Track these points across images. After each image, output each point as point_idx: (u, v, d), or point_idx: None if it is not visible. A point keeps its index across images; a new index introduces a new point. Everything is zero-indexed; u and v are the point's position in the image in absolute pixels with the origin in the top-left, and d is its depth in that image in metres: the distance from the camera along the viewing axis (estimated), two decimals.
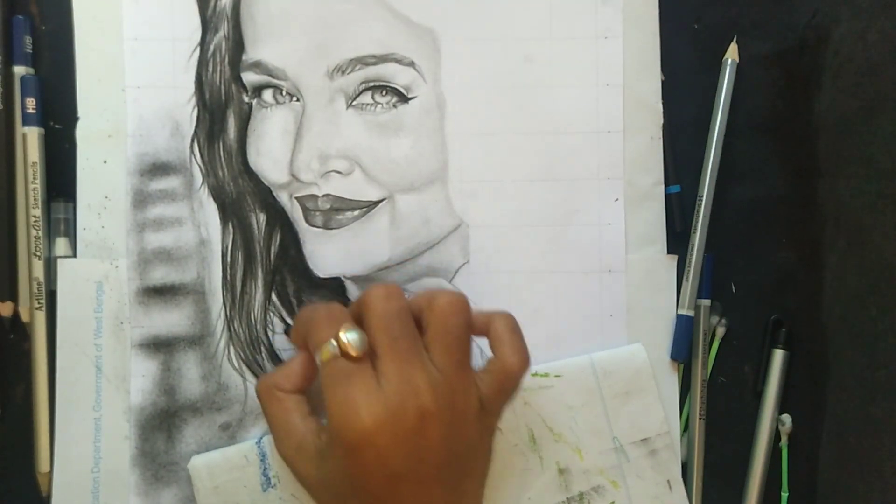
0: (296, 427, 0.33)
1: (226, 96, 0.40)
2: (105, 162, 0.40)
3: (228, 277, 0.40)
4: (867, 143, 0.35)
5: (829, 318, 0.40)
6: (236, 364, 0.40)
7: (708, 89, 0.41)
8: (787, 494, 0.41)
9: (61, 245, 0.40)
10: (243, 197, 0.40)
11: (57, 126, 0.41)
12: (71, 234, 0.40)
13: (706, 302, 0.41)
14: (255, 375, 0.40)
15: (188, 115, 0.40)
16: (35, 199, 0.39)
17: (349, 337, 0.31)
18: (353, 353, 0.31)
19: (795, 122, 0.41)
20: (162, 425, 0.40)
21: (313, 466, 0.33)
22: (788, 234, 0.41)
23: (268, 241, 0.40)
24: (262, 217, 0.40)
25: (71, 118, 0.40)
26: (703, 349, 0.41)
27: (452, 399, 0.31)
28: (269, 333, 0.40)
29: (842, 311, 0.39)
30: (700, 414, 0.40)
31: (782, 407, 0.41)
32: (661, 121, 0.41)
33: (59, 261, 0.40)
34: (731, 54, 0.41)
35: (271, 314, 0.40)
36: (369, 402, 0.30)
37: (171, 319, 0.40)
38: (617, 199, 0.41)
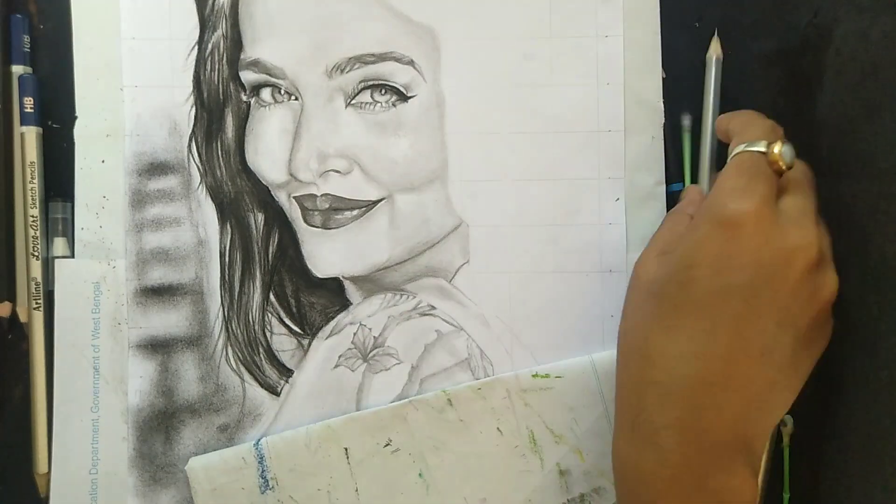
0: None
1: (224, 95, 0.40)
2: (103, 161, 0.40)
3: (226, 278, 0.40)
4: (869, 143, 0.35)
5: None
6: (234, 365, 0.40)
7: (702, 89, 0.41)
8: (788, 496, 0.41)
9: (59, 245, 0.40)
10: (241, 196, 0.40)
11: (55, 125, 0.41)
12: (69, 234, 0.40)
13: None
14: (254, 376, 0.40)
15: (186, 114, 0.40)
16: (33, 199, 0.40)
17: (784, 149, 0.31)
18: (780, 163, 0.31)
19: (797, 121, 0.41)
20: (160, 427, 0.40)
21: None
22: None
23: (266, 241, 0.41)
24: (261, 217, 0.40)
25: (69, 117, 0.40)
26: None
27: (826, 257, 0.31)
28: (268, 334, 0.40)
29: (843, 312, 0.39)
30: None
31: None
32: (663, 120, 0.41)
33: (56, 261, 0.40)
34: (714, 51, 0.41)
35: (269, 315, 0.40)
36: (760, 203, 0.29)
37: (169, 320, 0.40)
38: (618, 199, 0.41)
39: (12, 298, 0.40)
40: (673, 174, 0.41)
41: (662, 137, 0.41)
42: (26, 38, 0.40)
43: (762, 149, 0.31)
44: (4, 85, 0.40)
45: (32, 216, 0.40)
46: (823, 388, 0.40)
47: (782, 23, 0.41)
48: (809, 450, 0.41)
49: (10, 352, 0.40)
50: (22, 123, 0.40)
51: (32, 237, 0.40)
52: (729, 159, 0.33)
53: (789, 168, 0.31)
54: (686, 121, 0.41)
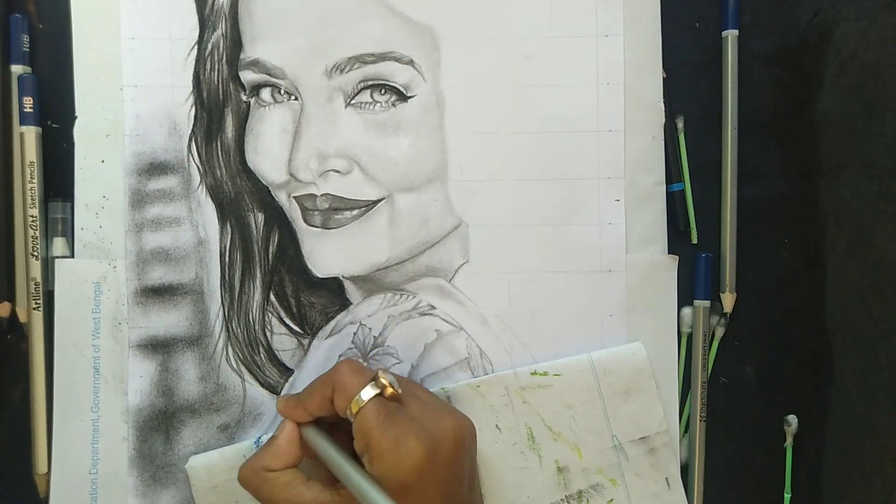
0: (302, 496, 0.34)
1: (224, 95, 0.41)
2: (103, 161, 0.41)
3: (227, 277, 0.41)
4: (869, 143, 0.36)
5: (830, 319, 0.41)
6: (234, 365, 0.41)
7: (709, 88, 0.42)
8: (789, 496, 0.41)
9: (59, 245, 0.41)
10: (241, 196, 0.41)
11: (55, 125, 0.41)
12: (69, 234, 0.41)
13: (705, 303, 0.42)
14: (254, 376, 0.41)
15: (186, 114, 0.41)
16: (33, 199, 0.40)
17: (389, 379, 0.34)
18: (396, 391, 0.33)
19: (797, 120, 0.42)
20: (160, 426, 0.41)
21: None
22: (790, 234, 0.42)
23: (266, 241, 0.41)
24: (261, 217, 0.41)
25: (69, 117, 0.41)
26: (702, 350, 0.41)
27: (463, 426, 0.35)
28: (268, 334, 0.41)
29: (843, 312, 0.39)
30: (701, 416, 0.41)
31: (787, 408, 0.42)
32: (663, 120, 0.41)
33: (56, 261, 0.41)
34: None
35: (270, 314, 0.41)
36: (418, 434, 0.32)
37: (170, 320, 0.41)
38: (618, 200, 0.41)
39: (12, 298, 0.41)
40: (673, 174, 0.42)
41: (662, 137, 0.42)
42: (26, 38, 0.41)
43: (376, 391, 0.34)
44: (4, 85, 0.40)
45: (32, 216, 0.40)
46: (824, 388, 0.41)
47: (782, 23, 0.42)
48: (810, 450, 0.42)
49: (9, 352, 0.41)
50: (21, 123, 0.40)
51: (32, 237, 0.40)
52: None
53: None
54: (680, 123, 0.42)
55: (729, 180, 0.42)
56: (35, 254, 0.40)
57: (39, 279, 0.40)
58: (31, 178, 0.40)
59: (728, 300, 0.42)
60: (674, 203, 0.42)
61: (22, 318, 0.41)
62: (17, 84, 0.41)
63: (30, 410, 0.40)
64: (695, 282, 0.42)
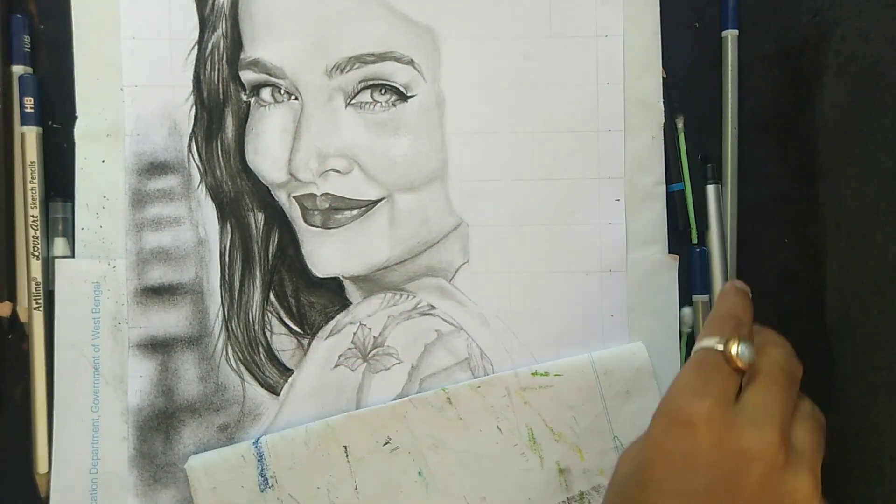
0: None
1: (224, 95, 0.42)
2: (103, 161, 0.41)
3: (227, 277, 0.42)
4: (869, 143, 0.37)
5: (830, 319, 0.41)
6: (234, 365, 0.41)
7: (709, 88, 0.42)
8: None
9: (59, 245, 0.41)
10: (241, 196, 0.42)
11: (55, 125, 0.42)
12: (69, 234, 0.41)
13: (703, 297, 0.42)
14: (254, 376, 0.41)
15: (186, 114, 0.41)
16: (34, 199, 0.41)
17: (741, 348, 0.31)
18: (737, 362, 0.31)
19: (797, 121, 0.42)
20: (160, 426, 0.41)
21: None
22: (790, 234, 0.42)
23: (266, 241, 0.42)
24: (261, 216, 0.42)
25: (69, 117, 0.41)
26: None
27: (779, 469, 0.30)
28: (268, 334, 0.41)
29: (843, 312, 0.40)
30: None
31: None
32: (663, 120, 0.42)
33: (57, 261, 0.41)
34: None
35: (269, 314, 0.41)
36: (713, 403, 0.29)
37: (169, 320, 0.41)
38: (618, 200, 0.42)
39: (13, 298, 0.41)
40: (673, 174, 0.42)
41: (662, 137, 0.42)
42: (26, 38, 0.41)
43: (719, 347, 0.31)
44: (5, 85, 0.41)
45: (33, 216, 0.41)
46: (824, 388, 0.42)
47: (782, 23, 0.42)
48: None
49: (10, 352, 0.41)
50: (22, 123, 0.41)
51: (33, 237, 0.41)
52: (691, 355, 0.32)
53: (748, 366, 0.31)
54: (680, 123, 0.42)
55: (730, 179, 0.42)
56: (36, 254, 0.41)
57: (40, 279, 0.41)
58: (32, 178, 0.41)
59: None
60: (674, 203, 0.42)
61: (23, 317, 0.41)
62: (18, 84, 0.41)
63: (30, 410, 0.41)
64: (691, 277, 0.42)
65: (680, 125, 0.42)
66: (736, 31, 0.42)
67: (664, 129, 0.42)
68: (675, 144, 0.42)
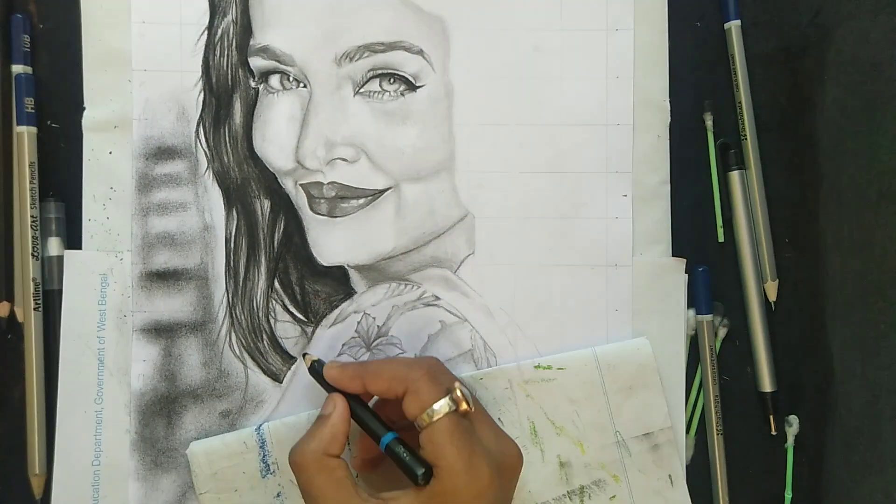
0: (354, 500, 0.34)
1: (232, 81, 0.43)
2: (111, 153, 0.43)
3: (231, 264, 0.43)
4: (870, 142, 0.38)
5: (832, 319, 0.43)
6: (237, 351, 0.43)
7: (713, 85, 0.44)
8: (790, 496, 0.44)
9: (54, 244, 0.43)
10: (248, 183, 0.43)
11: (54, 125, 0.43)
12: (62, 234, 0.43)
13: (707, 317, 0.44)
14: (257, 363, 0.43)
15: (194, 99, 0.43)
16: (33, 200, 0.42)
17: (465, 393, 0.35)
18: (469, 407, 0.35)
19: (798, 120, 0.44)
20: (162, 411, 0.43)
21: None
22: (790, 234, 0.44)
23: (272, 228, 0.43)
24: (267, 203, 0.43)
25: (68, 117, 0.43)
26: (710, 365, 0.43)
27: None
28: (272, 321, 0.43)
29: (845, 311, 0.42)
30: (718, 429, 0.43)
31: (789, 408, 0.44)
32: (669, 119, 0.44)
33: (66, 253, 0.42)
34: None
35: (274, 301, 0.43)
36: (488, 457, 0.34)
37: (174, 305, 0.43)
38: (625, 195, 0.43)
39: (11, 298, 0.42)
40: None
41: (668, 137, 0.44)
42: (26, 38, 0.43)
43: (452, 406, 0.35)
44: (4, 85, 0.42)
45: (32, 216, 0.42)
46: (825, 388, 0.43)
47: (783, 23, 0.44)
48: (811, 450, 0.44)
49: (8, 352, 0.42)
50: (20, 123, 0.42)
51: (32, 237, 0.42)
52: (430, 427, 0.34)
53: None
54: (709, 120, 0.44)
55: (753, 165, 0.43)
56: (35, 254, 0.42)
57: (39, 279, 0.42)
58: (32, 178, 0.42)
59: (771, 289, 0.44)
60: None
61: (20, 318, 0.42)
62: (16, 84, 0.42)
63: (25, 411, 0.42)
64: (694, 297, 0.44)
65: (709, 122, 0.44)
66: (738, 22, 0.43)
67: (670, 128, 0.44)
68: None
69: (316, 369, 0.39)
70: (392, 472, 0.36)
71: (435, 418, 0.34)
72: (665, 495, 0.43)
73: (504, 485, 0.35)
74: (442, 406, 0.34)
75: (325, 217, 0.43)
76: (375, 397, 0.39)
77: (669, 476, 0.43)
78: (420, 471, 0.34)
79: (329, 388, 0.38)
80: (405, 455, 0.35)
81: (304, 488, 0.35)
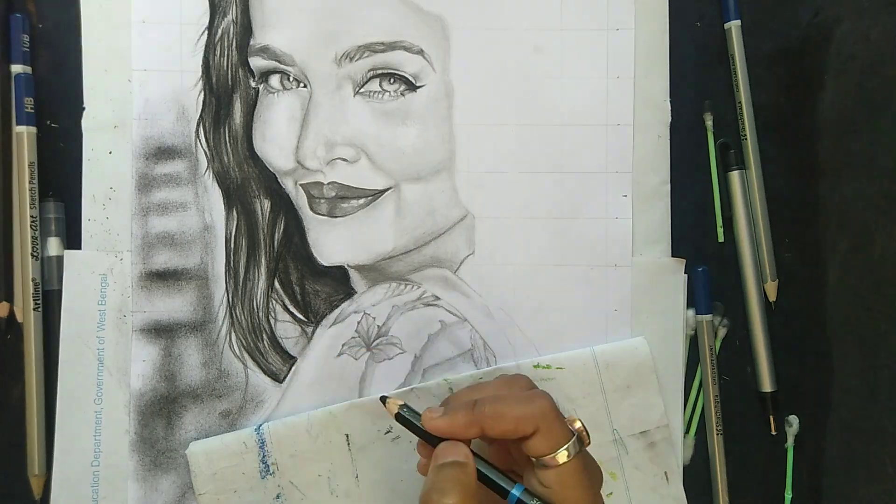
0: None
1: (233, 81, 0.44)
2: (110, 153, 0.43)
3: (231, 264, 0.44)
4: (870, 142, 0.39)
5: (832, 319, 0.43)
6: (237, 351, 0.44)
7: (713, 85, 0.45)
8: (790, 496, 0.44)
9: (53, 244, 0.43)
10: (248, 183, 0.44)
11: (53, 125, 0.44)
12: (62, 234, 0.43)
13: (707, 317, 0.44)
14: (257, 363, 0.43)
15: (194, 99, 0.43)
16: (33, 200, 0.42)
17: (585, 426, 0.34)
18: (590, 441, 0.34)
19: (798, 120, 0.44)
20: (161, 411, 0.43)
21: None
22: (791, 234, 0.45)
23: (272, 228, 0.44)
24: (267, 203, 0.44)
25: (68, 117, 0.43)
26: (710, 365, 0.44)
27: None
28: (272, 321, 0.44)
29: (845, 311, 0.42)
30: (717, 430, 0.44)
31: (789, 408, 0.45)
32: (669, 119, 0.44)
33: (65, 253, 0.43)
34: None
35: (274, 301, 0.44)
36: (598, 494, 0.34)
37: (174, 305, 0.43)
38: (625, 195, 0.44)
39: (10, 299, 0.43)
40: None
41: (668, 137, 0.44)
42: (25, 38, 0.43)
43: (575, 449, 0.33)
44: (4, 85, 0.42)
45: (32, 216, 0.42)
46: (825, 388, 0.44)
47: (783, 22, 0.45)
48: (811, 450, 0.44)
49: (8, 352, 0.43)
50: (19, 123, 0.42)
51: (32, 237, 0.42)
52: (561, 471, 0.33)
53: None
54: (709, 120, 0.44)
55: (753, 165, 0.44)
56: (35, 254, 0.42)
57: (39, 279, 0.43)
58: (32, 178, 0.42)
59: (771, 289, 0.44)
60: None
61: (20, 318, 0.43)
62: (15, 84, 0.43)
63: (25, 411, 0.42)
64: (694, 297, 0.44)
65: (709, 123, 0.44)
66: (738, 22, 0.44)
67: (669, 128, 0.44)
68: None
69: (407, 418, 0.35)
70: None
71: (567, 460, 0.33)
72: (661, 492, 0.43)
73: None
74: (572, 445, 0.33)
75: (326, 217, 0.44)
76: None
77: (665, 473, 0.43)
78: None
79: (429, 435, 0.34)
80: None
81: None
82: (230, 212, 0.44)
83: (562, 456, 0.33)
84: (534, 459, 0.33)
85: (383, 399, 0.36)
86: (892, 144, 0.37)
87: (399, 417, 0.35)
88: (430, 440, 0.34)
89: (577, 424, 0.34)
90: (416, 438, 0.35)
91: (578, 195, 0.44)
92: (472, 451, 0.34)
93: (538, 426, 0.33)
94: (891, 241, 0.38)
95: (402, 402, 0.35)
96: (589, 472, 0.34)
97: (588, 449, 0.35)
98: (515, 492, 0.33)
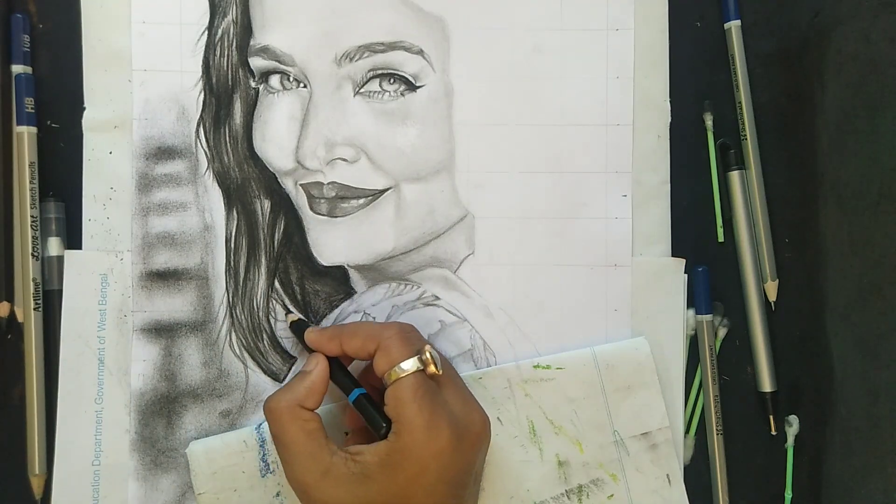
0: (323, 451, 0.36)
1: (233, 81, 0.44)
2: (111, 153, 0.44)
3: (232, 264, 0.44)
4: (870, 142, 0.39)
5: (832, 318, 0.43)
6: (238, 351, 0.44)
7: (713, 85, 0.45)
8: (790, 496, 0.44)
9: (53, 245, 0.43)
10: (248, 183, 0.44)
11: (54, 125, 0.44)
12: (62, 234, 0.44)
13: (707, 317, 0.45)
14: (257, 362, 0.44)
15: (194, 99, 0.44)
16: (33, 200, 0.43)
17: (434, 355, 0.37)
18: (437, 370, 0.37)
19: (798, 120, 0.45)
20: (162, 411, 0.44)
21: (345, 490, 0.35)
22: (791, 234, 0.45)
23: (272, 228, 0.44)
24: (267, 203, 0.44)
25: (68, 117, 0.44)
26: (710, 365, 0.44)
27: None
28: (272, 320, 0.44)
29: (845, 311, 0.42)
30: (717, 429, 0.44)
31: (789, 408, 0.45)
32: (669, 119, 0.44)
33: (66, 252, 0.43)
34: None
35: (274, 301, 0.44)
36: (450, 420, 0.36)
37: (174, 304, 0.44)
38: (625, 195, 0.44)
39: (11, 299, 0.43)
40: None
41: (668, 137, 0.44)
42: (26, 38, 0.43)
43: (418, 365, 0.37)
44: (4, 85, 0.43)
45: (32, 216, 0.43)
46: (825, 388, 0.44)
47: (784, 22, 0.45)
48: (811, 450, 0.45)
49: (8, 352, 0.43)
50: (20, 123, 0.43)
51: (32, 237, 0.43)
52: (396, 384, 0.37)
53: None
54: (709, 120, 0.45)
55: (753, 165, 0.44)
56: (35, 254, 0.43)
57: (39, 279, 0.43)
58: (33, 178, 0.43)
59: (771, 289, 0.45)
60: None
61: (20, 318, 0.43)
62: (16, 84, 0.43)
63: (25, 411, 0.43)
64: (694, 297, 0.45)
65: (709, 122, 0.45)
66: (738, 22, 0.44)
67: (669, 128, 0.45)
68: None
69: (298, 328, 0.42)
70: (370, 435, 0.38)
71: (401, 375, 0.36)
72: (663, 494, 0.44)
73: (466, 449, 0.36)
74: (410, 365, 0.36)
75: (325, 217, 0.44)
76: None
77: (667, 475, 0.44)
78: (383, 424, 0.36)
79: (309, 350, 0.40)
80: (370, 409, 0.37)
81: (275, 435, 0.37)
82: (230, 212, 0.44)
83: (394, 373, 0.36)
84: (382, 379, 0.37)
85: (287, 313, 0.44)
86: (892, 144, 0.38)
87: (293, 327, 0.43)
88: (308, 352, 0.41)
89: (426, 349, 0.37)
90: None
91: (578, 195, 0.44)
92: (345, 368, 0.39)
93: (379, 344, 0.37)
94: (890, 241, 0.39)
95: (299, 318, 0.43)
96: (430, 394, 0.36)
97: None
98: (354, 393, 0.38)
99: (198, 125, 0.44)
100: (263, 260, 0.44)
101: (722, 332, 0.46)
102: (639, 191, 0.45)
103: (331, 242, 0.44)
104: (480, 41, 0.44)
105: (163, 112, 0.44)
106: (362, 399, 0.38)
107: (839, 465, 0.43)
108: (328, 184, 0.44)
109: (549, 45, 0.44)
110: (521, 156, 0.44)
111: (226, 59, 0.44)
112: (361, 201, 0.44)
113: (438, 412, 0.36)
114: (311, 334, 0.40)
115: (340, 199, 0.44)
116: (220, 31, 0.44)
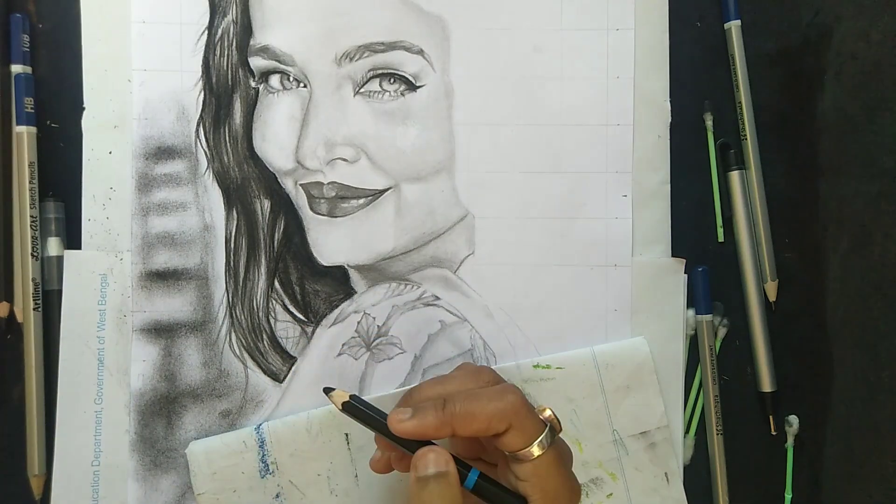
0: None
1: (233, 81, 0.44)
2: (110, 153, 0.44)
3: (231, 264, 0.44)
4: (870, 142, 0.40)
5: (832, 319, 0.44)
6: (237, 351, 0.44)
7: (713, 85, 0.45)
8: (790, 496, 0.45)
9: (53, 245, 0.43)
10: (248, 183, 0.45)
11: (53, 125, 0.44)
12: (62, 234, 0.44)
13: (707, 317, 0.45)
14: (257, 363, 0.44)
15: (194, 99, 0.44)
16: (33, 200, 0.43)
17: (556, 414, 0.34)
18: (561, 428, 0.35)
19: (798, 120, 0.45)
20: (161, 411, 0.44)
21: None
22: (791, 234, 0.45)
23: (272, 228, 0.45)
24: (267, 203, 0.45)
25: (68, 117, 0.44)
26: (710, 365, 0.44)
27: None
28: (272, 321, 0.44)
29: (845, 312, 0.43)
30: (717, 429, 0.44)
31: (789, 408, 0.45)
32: (669, 119, 0.45)
33: (65, 252, 0.43)
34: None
35: (274, 301, 0.44)
36: (576, 484, 0.34)
37: (174, 305, 0.44)
38: (625, 195, 0.44)
39: (10, 299, 0.43)
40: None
41: (668, 137, 0.45)
42: (25, 38, 0.44)
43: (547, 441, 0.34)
44: (4, 84, 0.43)
45: (32, 216, 0.43)
46: (825, 388, 0.45)
47: (783, 22, 0.45)
48: (811, 450, 0.45)
49: (8, 352, 0.43)
50: (19, 123, 0.43)
51: (32, 237, 0.43)
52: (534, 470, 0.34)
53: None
54: (709, 120, 0.45)
55: (753, 165, 0.44)
56: (35, 254, 0.43)
57: (39, 279, 0.43)
58: (32, 178, 0.43)
59: (771, 289, 0.45)
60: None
61: (20, 318, 0.43)
62: (15, 84, 0.43)
63: (25, 411, 0.43)
64: (694, 297, 0.45)
65: (709, 122, 0.45)
66: (738, 22, 0.44)
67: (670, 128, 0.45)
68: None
69: (356, 407, 0.35)
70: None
71: (545, 450, 0.33)
72: (661, 493, 0.44)
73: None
74: (545, 437, 0.33)
75: (326, 217, 0.44)
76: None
77: (666, 474, 0.44)
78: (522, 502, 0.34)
79: (396, 437, 0.34)
80: (498, 491, 0.34)
81: None
82: (230, 212, 0.44)
83: (536, 449, 0.33)
84: (507, 454, 0.34)
85: (327, 391, 0.35)
86: (892, 144, 0.38)
87: (348, 408, 0.34)
88: (401, 443, 0.34)
89: (548, 413, 0.34)
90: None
91: (578, 195, 0.45)
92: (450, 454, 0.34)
93: (511, 423, 0.33)
94: (891, 241, 0.39)
95: (351, 394, 0.35)
96: (563, 458, 0.34)
97: (588, 449, 0.36)
98: (472, 475, 0.34)
99: (197, 125, 0.44)
100: (263, 260, 0.44)
101: (722, 332, 0.46)
102: (639, 191, 0.45)
103: (331, 242, 0.44)
104: (480, 41, 0.44)
105: (162, 112, 0.44)
106: (482, 482, 0.34)
107: (839, 465, 0.43)
108: (328, 184, 0.44)
109: (549, 45, 0.45)
110: (521, 156, 0.45)
111: (226, 58, 0.44)
112: (361, 201, 0.44)
113: (571, 476, 0.34)
114: (404, 424, 0.33)
115: (340, 199, 0.44)
116: (219, 31, 0.44)
